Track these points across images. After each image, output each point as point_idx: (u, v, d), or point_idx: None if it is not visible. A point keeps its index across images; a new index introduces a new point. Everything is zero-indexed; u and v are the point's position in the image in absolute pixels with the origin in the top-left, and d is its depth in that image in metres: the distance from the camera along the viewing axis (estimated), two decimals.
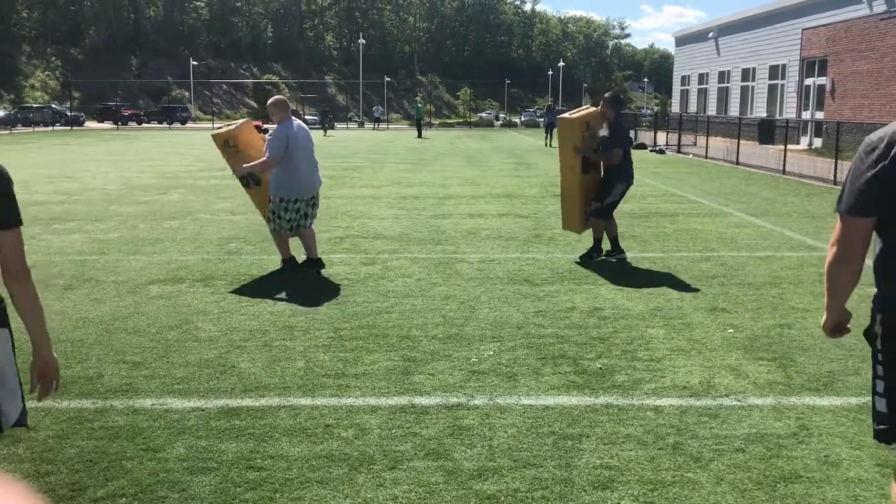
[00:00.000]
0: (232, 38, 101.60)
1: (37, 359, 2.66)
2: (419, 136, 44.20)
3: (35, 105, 61.52)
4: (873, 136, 2.54)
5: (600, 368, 5.09)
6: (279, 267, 8.10)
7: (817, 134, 28.49)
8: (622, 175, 8.44)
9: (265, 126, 28.12)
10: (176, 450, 3.87)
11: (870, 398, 2.63)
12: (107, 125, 59.40)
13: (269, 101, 7.93)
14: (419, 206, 13.38)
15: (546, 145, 33.97)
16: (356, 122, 69.97)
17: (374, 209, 12.90)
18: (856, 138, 18.95)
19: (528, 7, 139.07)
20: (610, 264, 8.42)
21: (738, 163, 22.49)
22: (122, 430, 4.12)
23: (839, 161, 17.49)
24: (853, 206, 2.52)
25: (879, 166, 2.46)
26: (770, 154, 24.06)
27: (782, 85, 33.96)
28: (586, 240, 10.05)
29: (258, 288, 7.29)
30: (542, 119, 47.00)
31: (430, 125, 66.15)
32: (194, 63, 79.59)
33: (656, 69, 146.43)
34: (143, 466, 3.69)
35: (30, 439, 3.93)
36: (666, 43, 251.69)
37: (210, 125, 62.54)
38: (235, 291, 7.14)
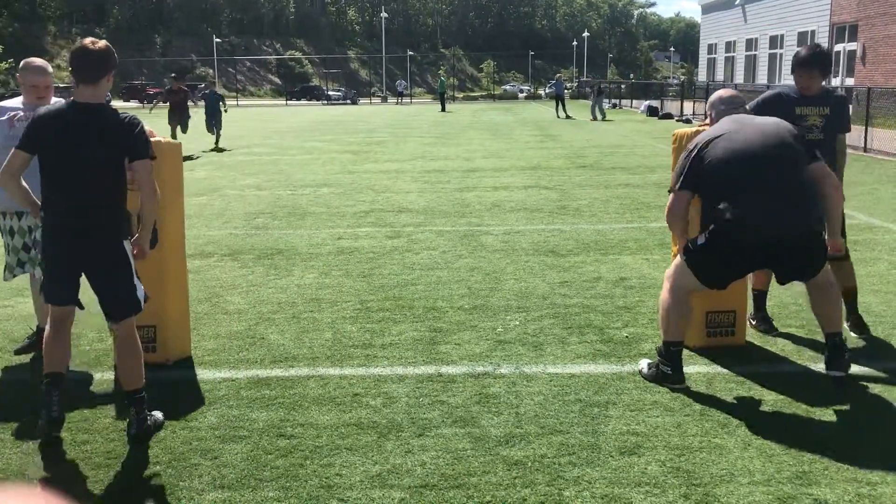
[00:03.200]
0: (255, 15, 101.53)
1: (138, 239, 3.84)
2: (443, 109, 44.02)
3: (62, 85, 61.71)
4: (693, 141, 4.31)
5: (627, 337, 5.09)
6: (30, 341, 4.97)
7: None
8: None
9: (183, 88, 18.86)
10: (208, 419, 3.94)
11: None
12: (132, 104, 59.74)
13: (41, 64, 4.66)
14: (444, 179, 13.37)
15: (557, 116, 33.92)
16: (379, 96, 69.85)
17: (398, 183, 12.92)
18: (888, 104, 18.60)
19: None
20: (635, 232, 8.38)
21: None
22: (154, 400, 4.19)
23: (870, 128, 17.19)
24: (679, 185, 4.26)
25: (690, 160, 4.20)
26: None
27: None
28: (611, 214, 10.00)
29: (285, 261, 7.35)
30: (551, 90, 46.82)
31: (453, 99, 65.88)
32: (217, 40, 79.73)
33: (682, 38, 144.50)
34: (175, 435, 3.77)
35: (66, 409, 4.01)
36: (692, 11, 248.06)
37: (234, 102, 62.72)
38: (263, 265, 7.20)
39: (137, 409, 3.73)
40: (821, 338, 4.40)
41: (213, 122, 20.44)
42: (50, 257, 3.71)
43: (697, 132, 5.01)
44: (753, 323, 5.31)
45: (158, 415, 3.88)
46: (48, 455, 3.61)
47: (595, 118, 31.42)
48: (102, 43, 3.70)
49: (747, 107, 5.23)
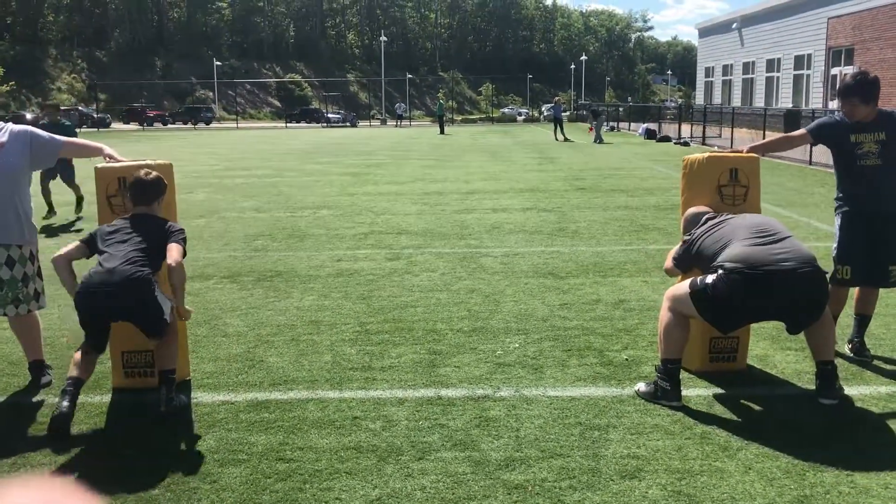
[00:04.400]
0: (254, 38, 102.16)
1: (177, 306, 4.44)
2: (441, 132, 44.22)
3: (62, 107, 62.31)
4: (695, 231, 4.64)
5: (626, 359, 5.08)
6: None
7: None
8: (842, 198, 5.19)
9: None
10: (207, 442, 3.92)
11: None
12: (132, 126, 59.96)
13: None
14: (443, 201, 13.40)
15: (555, 139, 34.09)
16: (379, 119, 70.14)
17: (397, 205, 12.94)
18: None
19: (549, 1, 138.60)
20: (634, 255, 8.39)
21: (763, 154, 22.29)
22: (152, 424, 4.17)
23: None
24: (677, 265, 4.76)
25: (683, 250, 4.66)
26: None
27: (808, 75, 33.57)
28: (609, 237, 10.01)
29: (285, 284, 7.35)
30: (549, 113, 47.28)
31: (452, 121, 66.15)
32: (218, 63, 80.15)
33: (680, 61, 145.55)
34: (174, 458, 3.75)
35: (66, 433, 3.99)
36: (689, 35, 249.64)
37: (234, 125, 62.96)
38: (262, 287, 7.20)
39: (167, 388, 4.22)
40: None
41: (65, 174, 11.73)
42: (87, 313, 4.19)
43: (710, 157, 5.07)
44: (849, 347, 5.21)
45: (184, 397, 4.43)
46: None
47: (596, 140, 31.57)
48: (154, 174, 4.53)
49: (803, 129, 5.35)
